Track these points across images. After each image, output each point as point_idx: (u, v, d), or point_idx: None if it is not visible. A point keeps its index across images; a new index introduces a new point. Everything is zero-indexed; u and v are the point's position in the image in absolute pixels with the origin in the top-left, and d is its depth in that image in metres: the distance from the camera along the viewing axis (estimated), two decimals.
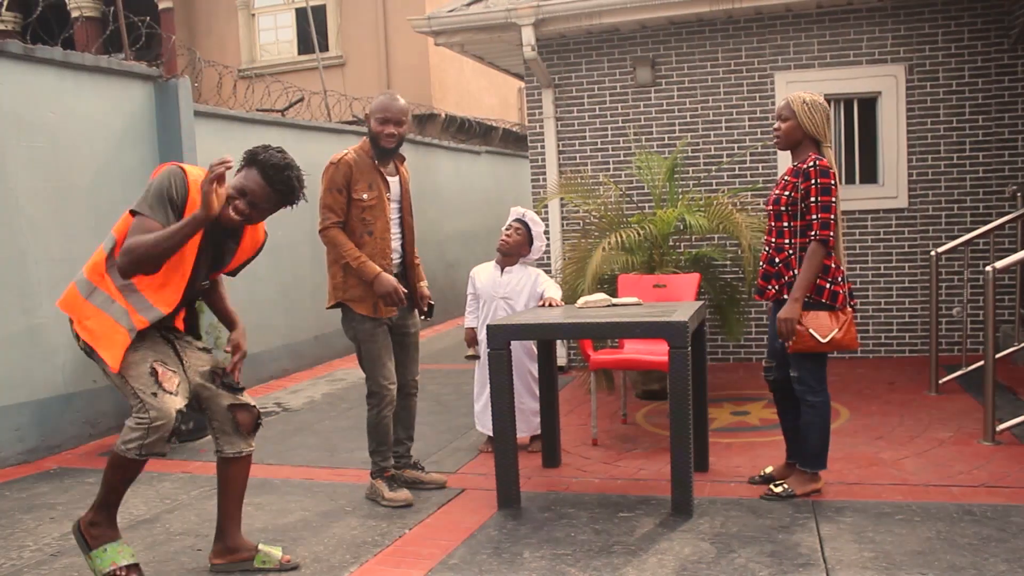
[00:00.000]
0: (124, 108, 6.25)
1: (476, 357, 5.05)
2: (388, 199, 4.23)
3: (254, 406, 3.43)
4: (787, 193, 3.87)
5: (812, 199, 3.75)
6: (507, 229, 5.08)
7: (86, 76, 5.93)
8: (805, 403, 3.95)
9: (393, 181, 4.29)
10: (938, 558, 3.27)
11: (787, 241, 3.91)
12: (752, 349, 7.39)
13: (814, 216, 3.75)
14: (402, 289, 4.14)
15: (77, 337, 3.20)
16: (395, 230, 4.30)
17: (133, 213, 3.09)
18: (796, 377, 3.95)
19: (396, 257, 4.30)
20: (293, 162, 3.26)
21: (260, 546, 3.49)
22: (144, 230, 3.03)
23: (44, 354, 5.48)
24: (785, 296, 3.88)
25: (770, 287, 3.99)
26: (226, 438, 3.38)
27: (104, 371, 3.17)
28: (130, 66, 6.34)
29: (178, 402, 3.12)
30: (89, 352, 3.18)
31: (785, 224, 3.91)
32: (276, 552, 3.49)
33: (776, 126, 3.96)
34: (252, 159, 3.22)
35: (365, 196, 4.13)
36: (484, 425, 5.06)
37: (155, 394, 3.07)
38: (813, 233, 3.76)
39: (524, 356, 5.04)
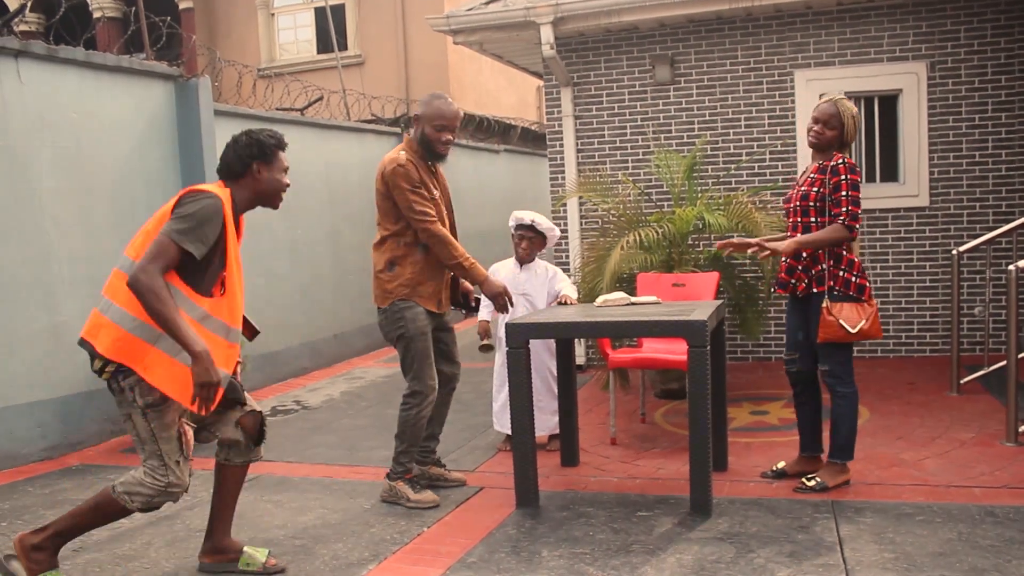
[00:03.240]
0: (145, 108, 6.30)
1: (490, 347, 5.04)
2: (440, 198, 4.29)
3: (259, 411, 3.43)
4: (816, 189, 3.98)
5: (843, 193, 3.90)
6: (520, 241, 5.08)
7: (108, 76, 5.98)
8: (836, 394, 4.06)
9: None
10: (959, 560, 3.24)
11: None
12: (771, 348, 7.35)
13: (844, 208, 3.88)
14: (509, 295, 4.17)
15: (104, 371, 3.05)
16: None
17: (170, 238, 2.94)
18: (827, 370, 4.06)
19: None
20: (252, 135, 3.25)
21: (245, 548, 3.48)
22: (167, 257, 2.92)
23: (66, 352, 5.53)
24: (815, 290, 4.00)
25: (794, 281, 4.08)
26: (236, 449, 3.41)
27: (127, 415, 3.08)
28: (151, 66, 6.39)
29: (190, 467, 3.16)
30: (116, 388, 3.08)
31: (813, 220, 4.01)
32: (260, 555, 3.47)
33: (817, 128, 4.01)
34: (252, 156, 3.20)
35: (436, 194, 4.17)
36: (502, 424, 5.07)
37: (178, 462, 3.08)
38: (841, 218, 3.88)
39: (545, 354, 5.05)
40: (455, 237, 4.37)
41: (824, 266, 3.97)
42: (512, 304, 4.23)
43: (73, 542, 3.84)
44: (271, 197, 3.31)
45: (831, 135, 3.98)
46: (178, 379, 2.98)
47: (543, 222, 5.08)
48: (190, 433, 3.17)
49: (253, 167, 3.22)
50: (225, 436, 3.36)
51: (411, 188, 4.03)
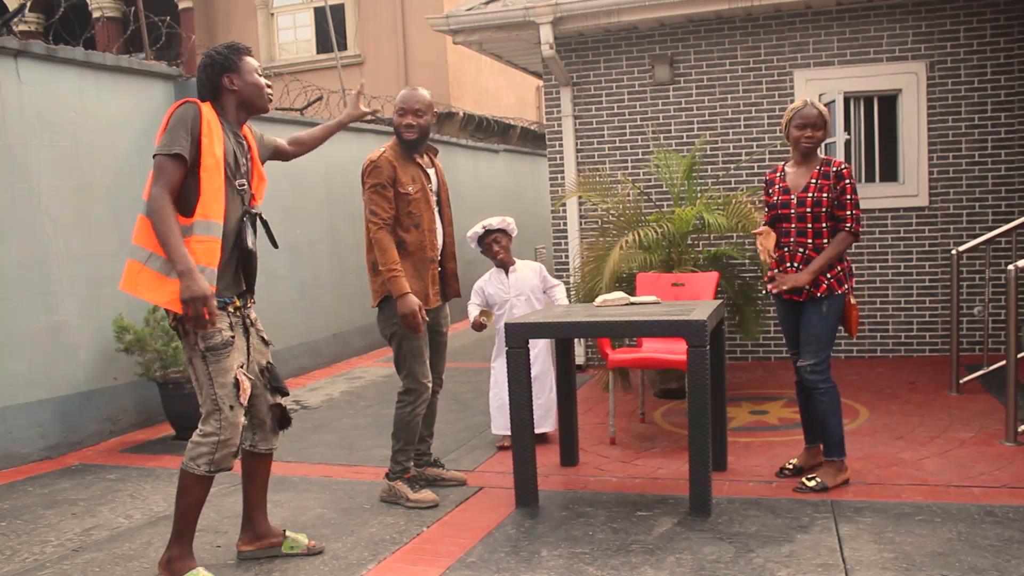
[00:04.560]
0: (145, 107, 6.29)
1: (484, 325, 5.02)
2: (430, 191, 4.25)
3: (283, 406, 3.52)
4: (826, 195, 4.06)
5: (847, 196, 4.05)
6: (495, 245, 5.09)
7: (107, 76, 5.97)
8: (819, 391, 4.12)
9: (430, 173, 4.31)
10: (959, 559, 3.24)
11: (826, 241, 4.11)
12: (771, 348, 7.35)
13: (849, 211, 4.05)
14: (424, 316, 4.09)
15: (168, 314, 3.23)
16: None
17: (158, 155, 3.11)
18: (815, 364, 4.10)
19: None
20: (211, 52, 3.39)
21: (287, 532, 3.61)
22: (165, 173, 3.08)
23: (65, 351, 5.54)
24: (838, 291, 4.09)
25: (809, 288, 4.10)
26: (262, 434, 3.50)
27: (189, 359, 3.20)
28: (150, 66, 6.39)
29: (244, 420, 3.25)
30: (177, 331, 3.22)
31: (824, 224, 4.10)
32: (302, 538, 3.62)
33: (809, 133, 4.10)
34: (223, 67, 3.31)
35: (411, 189, 4.12)
36: (499, 427, 5.13)
37: (232, 407, 3.17)
38: (847, 225, 4.05)
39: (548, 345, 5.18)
40: (451, 229, 4.40)
41: (839, 268, 4.10)
42: (419, 327, 4.07)
43: (72, 542, 3.87)
44: (254, 101, 3.39)
45: (821, 135, 4.10)
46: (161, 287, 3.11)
47: (510, 221, 5.15)
48: (246, 383, 3.24)
49: (224, 81, 3.32)
50: (259, 413, 3.46)
51: (370, 186, 4.08)
